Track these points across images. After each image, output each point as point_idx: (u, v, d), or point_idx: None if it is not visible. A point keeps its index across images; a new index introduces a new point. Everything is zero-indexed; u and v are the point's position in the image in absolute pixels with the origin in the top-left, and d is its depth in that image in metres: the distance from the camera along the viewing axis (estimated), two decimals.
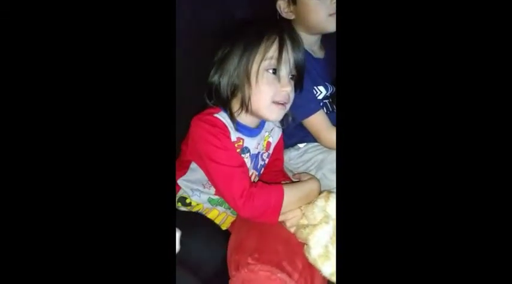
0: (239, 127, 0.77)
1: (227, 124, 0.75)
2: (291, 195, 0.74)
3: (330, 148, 0.90)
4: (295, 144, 0.96)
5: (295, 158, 0.96)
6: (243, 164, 0.75)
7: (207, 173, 0.74)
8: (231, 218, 0.86)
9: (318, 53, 0.96)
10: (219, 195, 0.80)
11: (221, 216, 0.84)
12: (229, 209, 0.84)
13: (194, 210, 0.82)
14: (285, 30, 0.75)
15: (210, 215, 0.83)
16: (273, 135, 0.87)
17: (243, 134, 0.78)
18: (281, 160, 0.93)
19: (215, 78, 0.75)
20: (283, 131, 0.90)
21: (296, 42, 0.75)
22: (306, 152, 0.95)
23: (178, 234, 0.63)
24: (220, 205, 0.83)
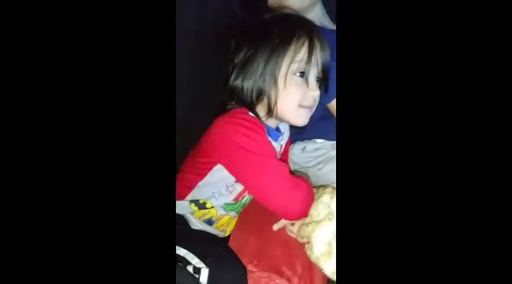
0: (267, 130, 0.73)
1: (262, 122, 0.72)
2: None
3: None
4: (313, 138, 0.95)
5: (309, 152, 0.94)
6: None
7: (245, 172, 0.69)
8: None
9: (331, 26, 0.94)
10: (259, 197, 0.72)
11: (230, 220, 0.82)
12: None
13: (207, 217, 0.78)
14: (314, 31, 0.71)
15: (221, 222, 0.80)
16: (284, 137, 0.84)
17: (270, 137, 0.74)
18: (286, 160, 0.90)
19: (237, 82, 0.71)
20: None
21: (324, 43, 0.72)
22: (320, 148, 0.94)
23: (206, 270, 0.62)
24: (232, 210, 0.80)
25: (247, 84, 0.70)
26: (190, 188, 0.76)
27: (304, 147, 0.95)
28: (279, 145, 0.79)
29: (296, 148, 0.97)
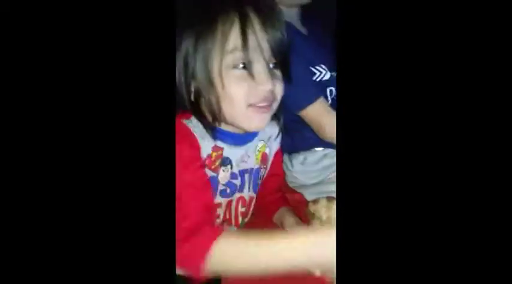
0: (219, 134, 0.57)
1: (195, 132, 0.55)
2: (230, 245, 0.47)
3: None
4: (311, 147, 0.79)
5: (311, 165, 0.78)
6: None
7: None
8: None
9: (301, 30, 0.80)
10: None
11: None
12: None
13: None
14: (246, 2, 0.52)
15: None
16: (271, 145, 0.66)
17: (224, 141, 0.58)
18: (280, 176, 0.74)
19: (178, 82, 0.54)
20: (293, 132, 0.73)
21: (267, 15, 0.52)
22: (325, 157, 0.79)
23: None
24: None
25: (180, 83, 0.54)
26: None
27: (305, 158, 0.78)
28: (249, 153, 0.62)
29: (295, 163, 0.80)
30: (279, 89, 0.56)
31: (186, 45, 0.53)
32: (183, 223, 0.47)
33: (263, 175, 0.67)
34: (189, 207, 0.50)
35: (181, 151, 0.50)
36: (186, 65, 0.53)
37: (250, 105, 0.53)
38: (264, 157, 0.66)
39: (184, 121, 0.55)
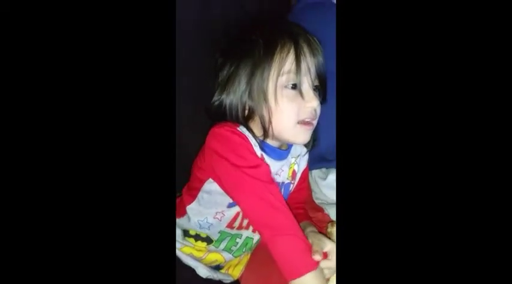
0: (263, 146, 0.64)
1: (250, 139, 0.62)
2: None
3: None
4: None
5: None
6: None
7: (228, 187, 0.62)
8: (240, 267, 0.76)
9: None
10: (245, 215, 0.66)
11: (239, 261, 0.74)
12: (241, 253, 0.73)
13: (196, 255, 0.70)
14: (300, 34, 0.63)
15: (229, 265, 0.73)
16: (300, 162, 0.73)
17: (267, 154, 0.65)
18: (305, 189, 0.78)
19: (219, 103, 0.64)
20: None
21: (314, 45, 0.63)
22: None
23: None
24: (239, 252, 0.72)
25: (230, 103, 0.63)
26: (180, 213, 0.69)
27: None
28: (283, 168, 0.69)
29: (331, 176, 0.76)
30: (319, 109, 0.64)
31: (244, 70, 0.62)
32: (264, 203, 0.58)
33: (291, 190, 0.73)
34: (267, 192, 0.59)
35: (247, 150, 0.60)
36: (244, 87, 0.62)
37: (298, 122, 0.62)
38: (294, 174, 0.72)
39: (237, 128, 0.62)
